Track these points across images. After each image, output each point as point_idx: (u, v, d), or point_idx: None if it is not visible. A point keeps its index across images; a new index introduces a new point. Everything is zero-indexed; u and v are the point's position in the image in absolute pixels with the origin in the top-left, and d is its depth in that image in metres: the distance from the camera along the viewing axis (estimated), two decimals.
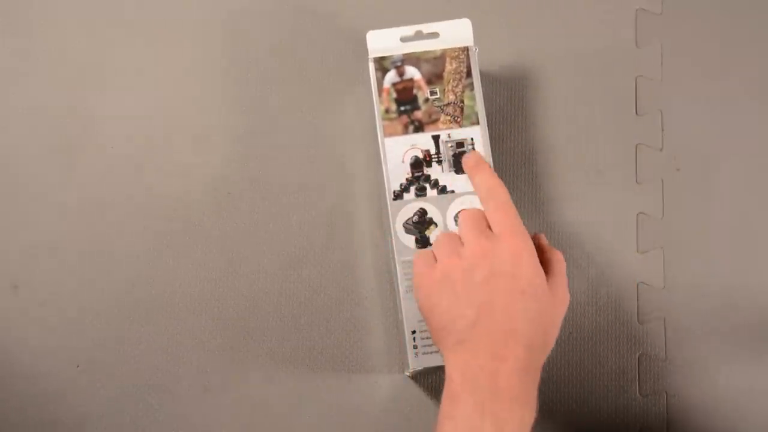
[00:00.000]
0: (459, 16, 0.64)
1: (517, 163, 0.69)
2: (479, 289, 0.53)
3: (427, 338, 0.60)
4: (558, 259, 0.57)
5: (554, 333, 0.55)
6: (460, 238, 0.57)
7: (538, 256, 0.56)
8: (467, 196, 0.62)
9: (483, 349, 0.52)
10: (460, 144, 0.62)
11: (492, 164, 0.62)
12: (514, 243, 0.54)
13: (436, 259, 0.57)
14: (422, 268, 0.57)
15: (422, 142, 0.62)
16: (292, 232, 0.68)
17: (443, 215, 0.62)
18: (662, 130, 0.70)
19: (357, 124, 0.69)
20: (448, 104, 0.63)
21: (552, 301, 0.55)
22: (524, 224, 0.56)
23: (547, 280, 0.55)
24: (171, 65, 0.70)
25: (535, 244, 0.56)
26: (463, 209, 0.60)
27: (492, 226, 0.56)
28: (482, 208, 0.58)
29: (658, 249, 0.68)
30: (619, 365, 0.67)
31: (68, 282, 0.67)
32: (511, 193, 0.67)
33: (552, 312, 0.55)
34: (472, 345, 0.52)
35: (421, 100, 0.63)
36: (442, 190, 0.62)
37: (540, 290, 0.54)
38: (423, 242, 0.61)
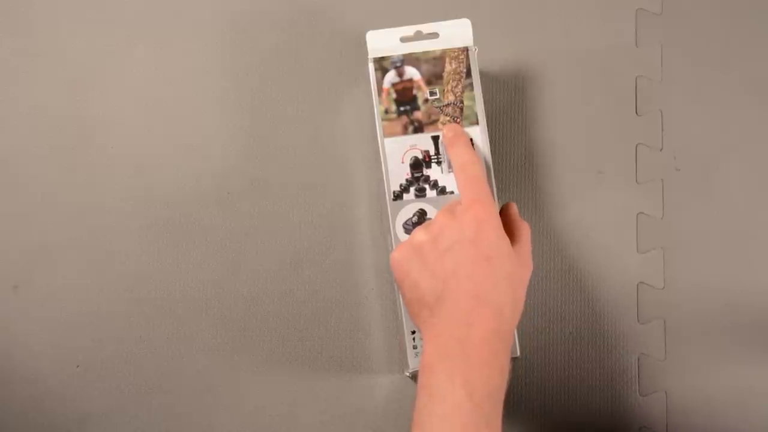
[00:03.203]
0: (459, 16, 0.64)
1: (518, 163, 0.69)
2: (444, 259, 0.55)
3: None
4: (524, 228, 0.59)
5: (522, 296, 0.56)
6: None
7: (507, 225, 0.57)
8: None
9: (451, 317, 0.53)
10: None
11: (492, 164, 0.62)
12: (476, 211, 0.55)
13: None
14: (396, 252, 0.58)
15: (422, 142, 0.62)
16: (292, 232, 0.68)
17: None
18: (662, 130, 0.70)
19: (357, 124, 0.69)
20: (448, 105, 0.63)
21: (518, 266, 0.56)
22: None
23: (513, 247, 0.56)
24: (171, 65, 0.70)
25: (505, 213, 0.59)
26: None
27: (461, 197, 0.57)
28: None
29: (658, 249, 0.68)
30: (619, 365, 0.67)
31: (68, 282, 0.67)
32: (511, 193, 0.67)
33: (518, 275, 0.56)
34: (442, 315, 0.54)
35: (420, 101, 0.63)
36: (442, 191, 0.62)
37: (505, 256, 0.55)
38: None
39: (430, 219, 0.61)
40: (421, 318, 0.55)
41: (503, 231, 0.56)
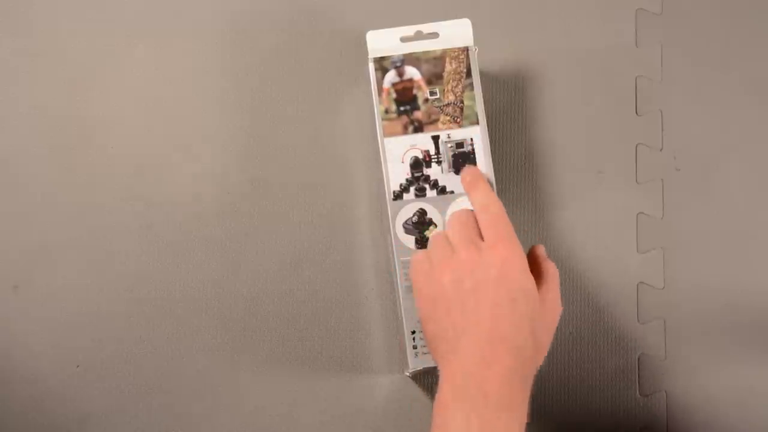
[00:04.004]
0: (459, 16, 0.64)
1: (517, 163, 0.69)
2: (468, 298, 0.54)
3: None
4: (551, 269, 0.57)
5: (546, 340, 0.55)
6: (450, 242, 0.57)
7: (533, 266, 0.56)
8: (467, 196, 0.62)
9: (471, 356, 0.52)
10: (459, 144, 0.62)
11: (492, 164, 0.62)
12: (502, 250, 0.54)
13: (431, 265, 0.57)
14: (419, 276, 0.57)
15: (422, 142, 0.62)
16: (292, 232, 0.68)
17: (443, 216, 0.62)
18: (662, 130, 0.70)
19: (357, 124, 0.69)
20: (448, 104, 0.63)
21: (543, 308, 0.55)
22: (519, 227, 0.56)
23: (539, 288, 0.55)
24: (171, 65, 0.70)
25: (532, 254, 0.57)
26: (454, 212, 0.59)
27: (484, 236, 0.56)
28: (474, 215, 0.58)
29: (658, 249, 0.68)
30: (619, 365, 0.67)
31: (68, 282, 0.67)
32: (511, 193, 0.67)
33: (543, 318, 0.55)
34: (461, 353, 0.53)
35: (420, 101, 0.63)
36: (442, 190, 0.62)
37: (530, 296, 0.54)
38: (423, 242, 0.61)
39: (430, 219, 0.61)
40: (439, 353, 0.54)
41: (528, 271, 0.55)
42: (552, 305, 0.56)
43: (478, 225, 0.57)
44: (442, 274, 0.55)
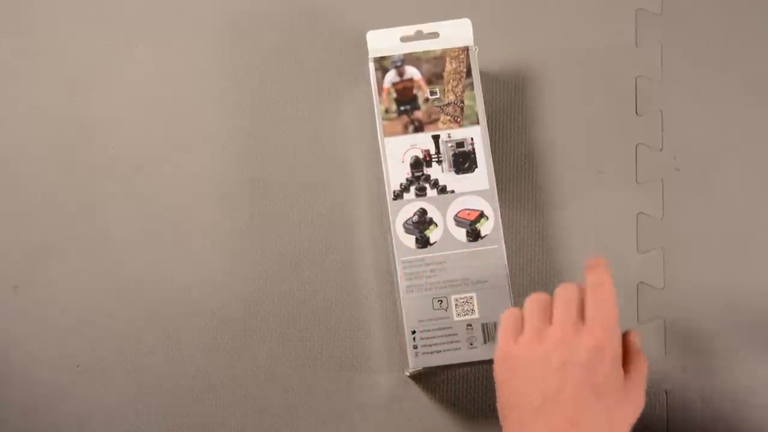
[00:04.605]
0: (459, 16, 0.64)
1: (518, 163, 0.69)
2: (552, 376, 0.52)
3: (428, 338, 0.61)
4: (641, 362, 0.55)
5: None
6: (551, 309, 0.55)
7: (624, 355, 0.54)
8: (467, 196, 0.62)
9: None
10: (460, 144, 0.62)
11: (492, 164, 0.62)
12: (598, 336, 0.53)
13: (522, 324, 0.55)
14: (507, 338, 0.55)
15: (422, 141, 0.62)
16: (292, 232, 0.68)
17: (443, 215, 0.62)
18: (662, 130, 0.70)
19: (357, 124, 0.69)
20: (448, 104, 0.63)
21: (624, 402, 0.53)
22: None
23: (625, 378, 0.53)
24: (171, 65, 0.70)
25: (625, 340, 0.55)
26: (563, 285, 0.56)
27: (586, 317, 0.54)
28: (583, 293, 0.56)
29: (658, 249, 0.68)
30: None
31: (68, 282, 0.67)
32: (511, 193, 0.67)
33: (623, 412, 0.53)
34: (532, 430, 0.52)
35: (421, 100, 0.63)
36: (442, 190, 0.62)
37: (615, 387, 0.52)
38: (423, 242, 0.61)
39: (430, 218, 0.61)
40: (509, 422, 0.53)
41: (620, 361, 0.53)
42: (635, 400, 0.54)
43: (583, 304, 0.55)
44: (531, 343, 0.54)
